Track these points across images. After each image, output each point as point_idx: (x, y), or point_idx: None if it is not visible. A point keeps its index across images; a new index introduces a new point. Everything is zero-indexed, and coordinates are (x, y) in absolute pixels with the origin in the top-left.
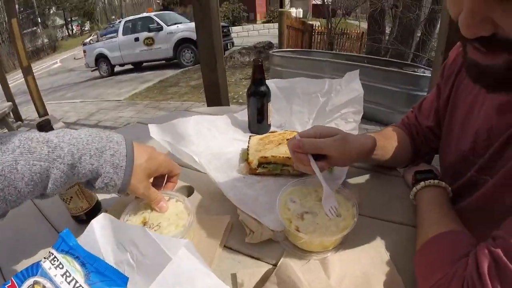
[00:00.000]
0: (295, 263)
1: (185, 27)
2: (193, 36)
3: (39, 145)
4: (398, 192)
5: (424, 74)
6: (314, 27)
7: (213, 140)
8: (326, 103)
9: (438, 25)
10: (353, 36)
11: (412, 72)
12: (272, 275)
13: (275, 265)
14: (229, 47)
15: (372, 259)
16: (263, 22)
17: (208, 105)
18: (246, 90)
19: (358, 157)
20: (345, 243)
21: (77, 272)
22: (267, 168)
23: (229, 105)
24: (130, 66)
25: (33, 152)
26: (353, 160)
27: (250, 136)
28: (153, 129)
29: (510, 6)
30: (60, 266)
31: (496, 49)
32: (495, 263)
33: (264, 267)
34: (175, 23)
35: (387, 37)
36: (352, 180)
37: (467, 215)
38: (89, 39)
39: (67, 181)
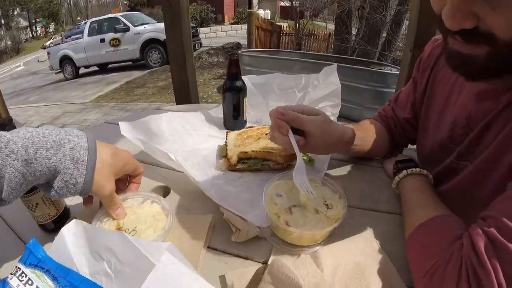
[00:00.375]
0: (286, 258)
1: (152, 28)
2: (161, 36)
3: None
4: (380, 182)
5: (391, 72)
6: (282, 28)
7: (188, 137)
8: (303, 98)
9: (404, 26)
10: (320, 37)
11: (379, 70)
12: (265, 274)
13: (264, 263)
14: (197, 48)
15: (363, 249)
16: (231, 24)
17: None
18: (215, 89)
19: (338, 145)
20: (334, 235)
21: None
22: (247, 163)
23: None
24: (95, 68)
25: None
26: (332, 148)
27: (227, 132)
28: (124, 126)
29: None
30: (29, 282)
31: (478, 41)
32: (491, 242)
33: (253, 266)
34: (142, 24)
35: (353, 38)
36: (333, 172)
37: (446, 200)
38: (49, 42)
39: (24, 182)
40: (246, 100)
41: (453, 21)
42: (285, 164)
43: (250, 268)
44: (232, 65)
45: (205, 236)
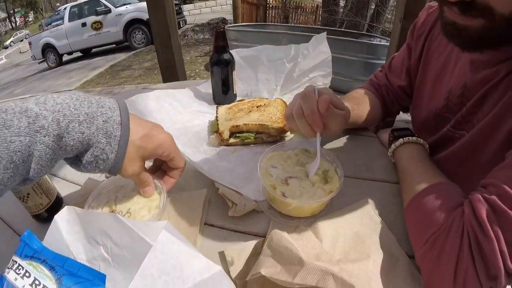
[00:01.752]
0: (284, 231)
1: (134, 8)
2: (143, 16)
3: (16, 117)
4: (375, 151)
5: (381, 43)
6: (268, 1)
7: (177, 115)
8: (294, 69)
9: None
10: (308, 9)
11: (369, 42)
12: (264, 247)
13: (263, 236)
14: (181, 26)
15: (361, 219)
16: None
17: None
18: (202, 67)
19: None
20: (331, 206)
21: (47, 278)
22: (239, 137)
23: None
24: (79, 54)
25: (10, 126)
26: None
27: (217, 106)
28: None
29: None
30: (27, 274)
31: (475, 14)
32: (492, 209)
33: (252, 240)
34: (124, 4)
35: (341, 9)
36: (327, 144)
37: (443, 169)
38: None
39: (53, 158)
40: (235, 73)
41: None
42: (278, 136)
43: (249, 243)
44: (219, 37)
45: (201, 212)
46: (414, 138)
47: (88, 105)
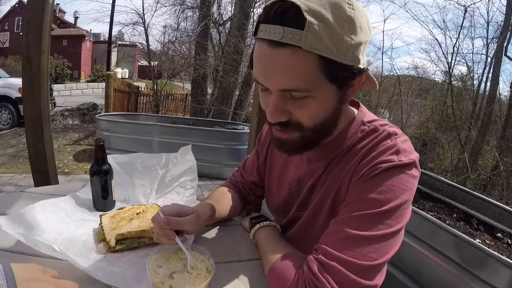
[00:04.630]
0: None
1: (3, 83)
2: (12, 94)
3: None
4: (240, 236)
5: (244, 131)
6: (140, 89)
7: (63, 225)
8: (165, 175)
9: (253, 86)
10: (177, 98)
11: (233, 130)
12: None
13: None
14: (51, 108)
15: None
16: (87, 81)
17: (34, 177)
18: (71, 157)
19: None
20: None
21: None
22: (125, 243)
23: (57, 177)
24: None
25: None
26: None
27: (100, 216)
28: (3, 221)
29: (298, 102)
30: None
31: (291, 129)
32: (321, 264)
33: None
34: None
35: (209, 97)
36: (200, 237)
37: (293, 241)
38: None
39: None
40: (113, 181)
41: (273, 116)
42: None
43: None
44: (99, 149)
45: None
46: (267, 222)
47: None
